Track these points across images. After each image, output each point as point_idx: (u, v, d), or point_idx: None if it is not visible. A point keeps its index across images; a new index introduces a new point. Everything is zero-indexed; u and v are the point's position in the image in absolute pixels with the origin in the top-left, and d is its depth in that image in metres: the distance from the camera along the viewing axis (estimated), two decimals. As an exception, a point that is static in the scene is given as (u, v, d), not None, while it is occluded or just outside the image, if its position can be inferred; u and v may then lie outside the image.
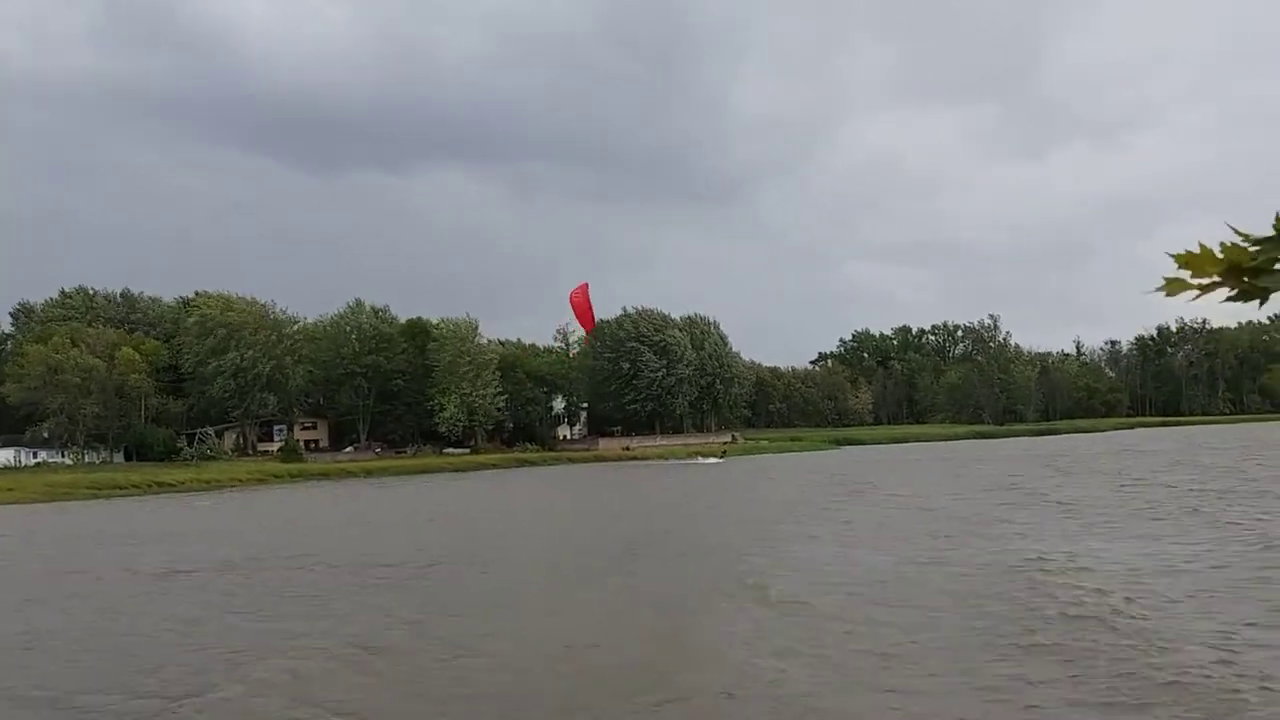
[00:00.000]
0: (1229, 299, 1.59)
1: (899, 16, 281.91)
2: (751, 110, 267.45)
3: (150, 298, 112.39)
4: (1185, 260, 1.58)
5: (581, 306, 54.10)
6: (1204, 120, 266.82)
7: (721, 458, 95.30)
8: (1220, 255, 1.56)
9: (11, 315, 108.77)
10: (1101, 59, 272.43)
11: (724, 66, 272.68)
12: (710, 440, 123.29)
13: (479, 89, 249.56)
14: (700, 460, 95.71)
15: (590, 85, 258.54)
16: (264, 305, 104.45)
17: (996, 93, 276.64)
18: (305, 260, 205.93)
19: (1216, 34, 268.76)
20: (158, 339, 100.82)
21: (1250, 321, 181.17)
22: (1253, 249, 1.57)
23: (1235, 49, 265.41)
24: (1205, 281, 1.58)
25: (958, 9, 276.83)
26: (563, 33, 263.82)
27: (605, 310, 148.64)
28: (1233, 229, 1.58)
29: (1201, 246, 1.57)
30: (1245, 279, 1.58)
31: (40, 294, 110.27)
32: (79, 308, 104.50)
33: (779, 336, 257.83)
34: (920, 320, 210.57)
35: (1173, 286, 1.59)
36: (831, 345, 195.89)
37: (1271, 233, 1.56)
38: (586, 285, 51.64)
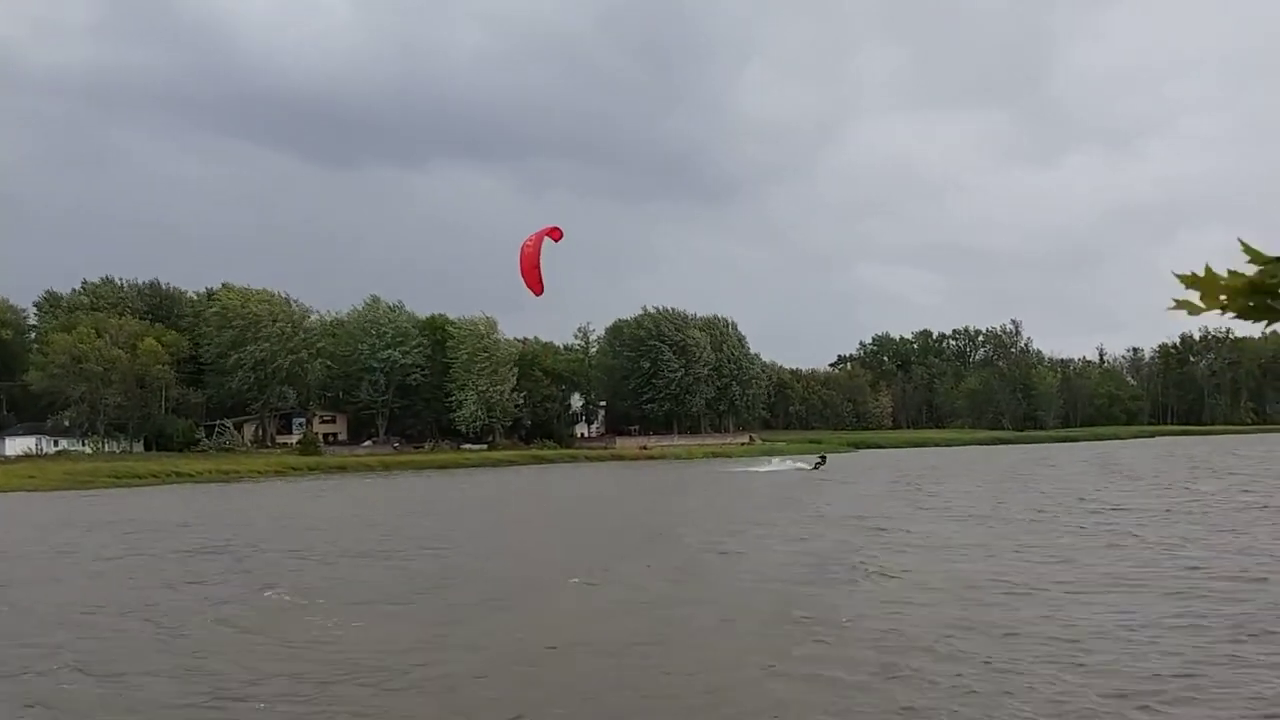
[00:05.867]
0: (1239, 317, 1.53)
1: (907, 20, 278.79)
2: (760, 111, 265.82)
3: (174, 289, 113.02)
4: (1191, 281, 1.52)
5: (531, 259, 36.19)
6: (1220, 127, 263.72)
7: (817, 466, 68.15)
8: (1227, 277, 1.50)
9: (36, 305, 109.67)
10: (1114, 65, 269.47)
11: (732, 67, 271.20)
12: (728, 441, 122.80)
13: (489, 86, 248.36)
14: (793, 464, 74.39)
15: (598, 84, 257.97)
16: (283, 298, 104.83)
17: (1008, 97, 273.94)
18: (318, 253, 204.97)
19: (1232, 41, 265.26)
20: (180, 330, 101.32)
21: (1276, 332, 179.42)
22: (1261, 269, 1.51)
23: (1251, 57, 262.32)
24: (1215, 302, 1.52)
25: (966, 13, 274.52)
26: (571, 31, 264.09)
27: (617, 309, 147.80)
28: (1243, 245, 1.51)
29: (1207, 269, 1.51)
30: (1253, 300, 1.51)
31: (53, 284, 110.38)
32: (106, 297, 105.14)
33: (787, 337, 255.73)
34: (930, 323, 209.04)
35: (1184, 306, 1.54)
36: (842, 347, 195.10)
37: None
38: (546, 235, 34.89)
